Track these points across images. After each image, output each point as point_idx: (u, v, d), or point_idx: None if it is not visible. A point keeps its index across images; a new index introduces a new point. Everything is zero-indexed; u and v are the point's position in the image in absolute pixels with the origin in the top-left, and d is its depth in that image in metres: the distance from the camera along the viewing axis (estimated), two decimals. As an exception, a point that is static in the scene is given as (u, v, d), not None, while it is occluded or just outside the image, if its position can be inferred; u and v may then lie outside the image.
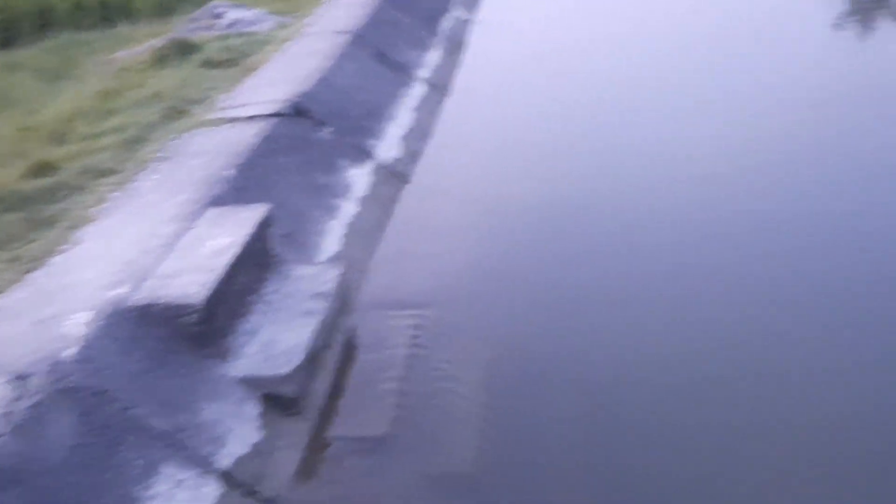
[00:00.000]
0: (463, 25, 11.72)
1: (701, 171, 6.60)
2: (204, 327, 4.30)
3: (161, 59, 8.53)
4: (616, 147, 7.30)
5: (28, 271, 4.78)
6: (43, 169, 6.07)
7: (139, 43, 9.50)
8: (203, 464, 3.85)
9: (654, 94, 8.35)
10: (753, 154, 6.77)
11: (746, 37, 9.90)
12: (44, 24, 11.36)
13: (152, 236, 4.96)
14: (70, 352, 3.90)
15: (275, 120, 6.64)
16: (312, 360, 4.63)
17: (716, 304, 5.04)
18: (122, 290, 4.38)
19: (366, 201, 6.49)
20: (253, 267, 4.93)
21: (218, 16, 9.81)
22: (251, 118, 6.68)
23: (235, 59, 8.39)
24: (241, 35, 9.14)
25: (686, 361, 4.60)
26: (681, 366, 4.57)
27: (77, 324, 4.12)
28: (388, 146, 7.43)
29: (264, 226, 5.10)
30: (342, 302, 5.24)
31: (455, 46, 10.79)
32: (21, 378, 3.71)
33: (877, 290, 4.98)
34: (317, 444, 4.36)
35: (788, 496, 3.72)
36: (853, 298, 4.96)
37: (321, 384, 4.69)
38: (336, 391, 4.72)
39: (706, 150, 7.00)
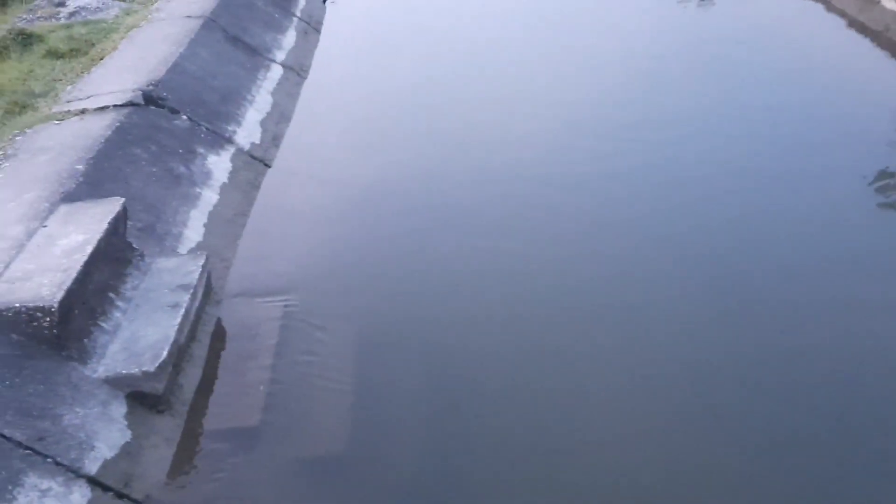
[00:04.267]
0: (319, 6, 11.59)
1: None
2: (61, 329, 4.16)
3: (0, 51, 8.09)
4: (467, 127, 7.45)
5: None
6: None
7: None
8: (69, 470, 3.74)
9: (508, 72, 8.61)
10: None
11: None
12: None
13: (-1, 238, 4.76)
14: (-85, 366, 3.71)
15: (126, 110, 6.42)
16: (179, 354, 4.56)
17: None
18: (-32, 298, 4.18)
19: (227, 188, 6.38)
20: (110, 263, 4.79)
21: (60, 4, 9.36)
22: (101, 109, 6.44)
23: (81, 48, 8.04)
24: (86, 23, 8.76)
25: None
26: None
27: (-79, 336, 3.92)
28: (247, 131, 7.31)
29: (120, 220, 4.95)
30: (207, 292, 5.17)
31: (312, 28, 10.67)
32: None
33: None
34: (188, 440, 4.29)
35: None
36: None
37: (190, 378, 4.62)
38: (206, 384, 4.65)
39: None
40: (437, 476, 3.93)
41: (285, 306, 5.18)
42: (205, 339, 4.93)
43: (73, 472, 3.73)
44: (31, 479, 3.59)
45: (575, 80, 8.27)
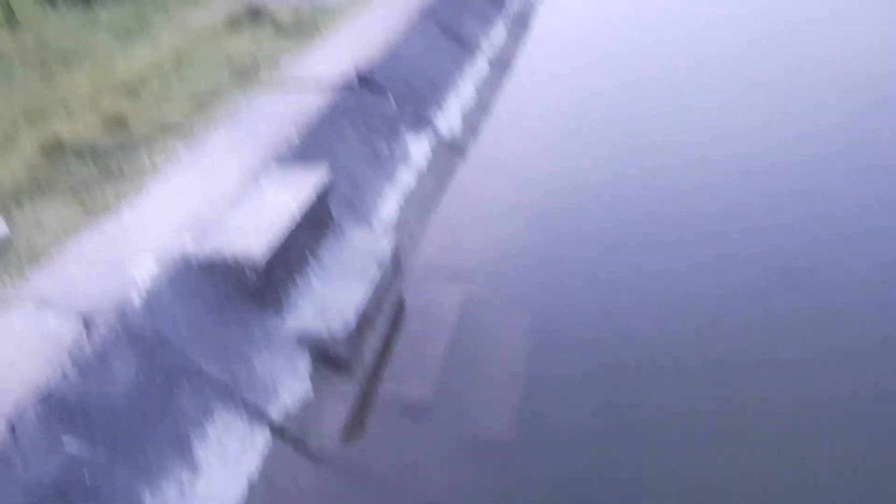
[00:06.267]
0: (529, 5, 11.73)
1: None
2: (263, 283, 4.47)
3: (234, 23, 8.70)
4: (673, 139, 7.27)
5: (98, 218, 4.98)
6: (116, 123, 6.28)
7: (213, 6, 9.68)
8: (255, 413, 4.02)
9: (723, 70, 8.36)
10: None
11: None
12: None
13: (217, 192, 5.13)
14: (135, 298, 4.08)
15: (340, 87, 6.76)
16: (364, 321, 4.78)
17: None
18: (186, 242, 4.56)
19: (423, 172, 6.61)
20: (311, 228, 5.08)
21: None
22: (318, 85, 6.81)
23: (307, 28, 8.53)
24: (313, 6, 9.29)
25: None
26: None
27: (142, 271, 4.31)
28: (448, 119, 7.52)
29: (324, 189, 5.23)
30: (395, 268, 5.38)
31: (520, 25, 10.81)
32: (88, 319, 3.91)
33: None
34: (364, 404, 4.51)
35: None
36: None
37: (371, 345, 4.84)
38: (385, 353, 4.86)
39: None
40: (601, 474, 3.92)
41: (467, 292, 5.32)
42: (388, 311, 5.14)
43: (259, 415, 4.01)
44: (221, 413, 3.89)
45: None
